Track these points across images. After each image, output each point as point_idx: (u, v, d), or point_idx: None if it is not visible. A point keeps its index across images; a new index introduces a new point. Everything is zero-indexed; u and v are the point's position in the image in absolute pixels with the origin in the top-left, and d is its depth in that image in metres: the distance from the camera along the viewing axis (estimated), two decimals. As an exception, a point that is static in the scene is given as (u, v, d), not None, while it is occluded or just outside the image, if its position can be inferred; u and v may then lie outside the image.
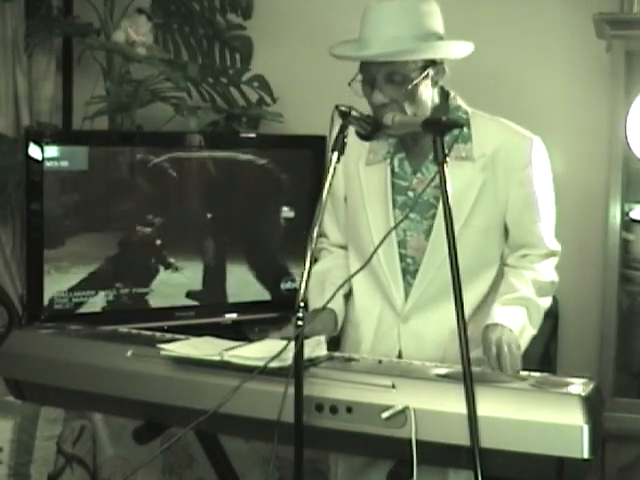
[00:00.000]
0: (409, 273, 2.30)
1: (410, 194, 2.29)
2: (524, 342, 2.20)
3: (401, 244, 2.30)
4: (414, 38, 2.12)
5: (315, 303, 2.27)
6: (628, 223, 3.25)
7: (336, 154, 1.97)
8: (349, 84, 2.16)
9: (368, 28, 2.14)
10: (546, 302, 2.32)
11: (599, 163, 3.30)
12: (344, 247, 2.47)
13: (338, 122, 2.02)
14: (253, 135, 3.59)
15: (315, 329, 2.23)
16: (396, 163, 2.32)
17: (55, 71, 3.71)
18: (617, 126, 3.14)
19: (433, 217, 2.26)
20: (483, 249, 2.28)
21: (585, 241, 3.37)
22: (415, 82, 2.14)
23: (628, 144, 3.15)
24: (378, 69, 2.14)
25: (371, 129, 2.13)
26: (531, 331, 2.26)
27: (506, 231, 2.33)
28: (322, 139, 3.21)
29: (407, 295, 2.30)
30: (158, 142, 3.32)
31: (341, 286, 2.05)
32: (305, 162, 3.41)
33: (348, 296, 2.41)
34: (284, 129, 3.61)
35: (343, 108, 2.03)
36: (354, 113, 2.05)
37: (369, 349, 2.33)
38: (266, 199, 3.40)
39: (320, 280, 2.34)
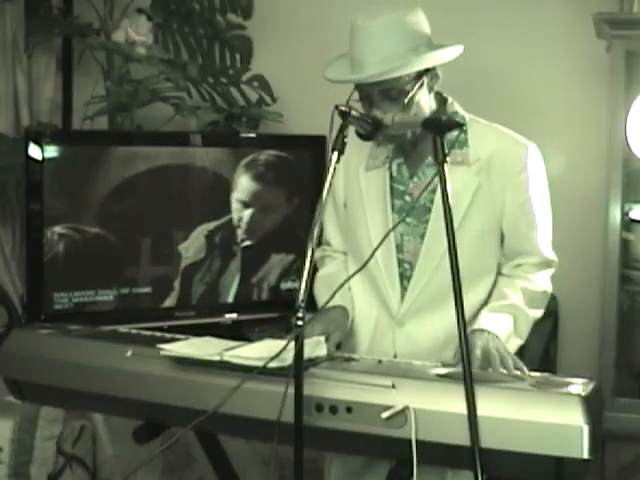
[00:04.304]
0: (406, 278, 2.31)
1: (407, 198, 2.30)
2: (510, 350, 2.18)
3: (398, 248, 2.31)
4: (405, 53, 2.12)
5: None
6: (628, 223, 3.25)
7: (336, 154, 1.97)
8: (347, 102, 2.16)
9: (358, 48, 2.14)
10: (536, 313, 2.31)
11: (599, 163, 3.30)
12: (346, 253, 2.47)
13: (338, 122, 2.02)
14: (253, 135, 3.59)
15: (328, 329, 2.24)
16: (394, 168, 2.32)
17: (55, 71, 3.71)
18: (617, 126, 3.15)
19: (429, 221, 2.27)
20: (479, 255, 2.28)
21: (585, 241, 3.37)
22: (411, 94, 2.15)
23: (628, 144, 3.15)
24: (372, 87, 2.14)
25: (371, 129, 2.13)
26: (517, 341, 2.25)
27: (503, 240, 2.32)
28: (322, 139, 3.22)
29: (403, 299, 2.30)
30: (158, 142, 3.32)
31: (341, 285, 2.05)
32: (305, 162, 3.41)
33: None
34: (284, 129, 3.61)
35: (343, 108, 2.03)
36: (354, 113, 2.05)
37: (366, 353, 2.33)
38: (266, 199, 3.40)
39: (328, 283, 2.34)
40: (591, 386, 1.87)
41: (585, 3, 3.33)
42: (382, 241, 2.04)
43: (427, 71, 2.18)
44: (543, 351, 3.33)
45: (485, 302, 2.29)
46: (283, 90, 3.65)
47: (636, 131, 3.14)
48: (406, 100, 2.15)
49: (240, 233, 3.39)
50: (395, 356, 2.31)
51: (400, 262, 2.31)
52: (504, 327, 2.19)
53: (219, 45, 3.71)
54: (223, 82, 3.64)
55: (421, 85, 2.17)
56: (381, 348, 2.32)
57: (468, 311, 2.18)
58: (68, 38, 3.77)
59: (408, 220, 2.28)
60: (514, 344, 2.24)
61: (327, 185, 1.94)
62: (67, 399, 2.30)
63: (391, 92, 2.14)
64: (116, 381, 2.11)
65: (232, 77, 3.65)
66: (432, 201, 2.25)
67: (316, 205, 1.93)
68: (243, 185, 3.37)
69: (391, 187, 2.32)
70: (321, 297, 2.34)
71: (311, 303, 1.99)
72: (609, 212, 3.16)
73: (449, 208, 1.87)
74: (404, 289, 2.30)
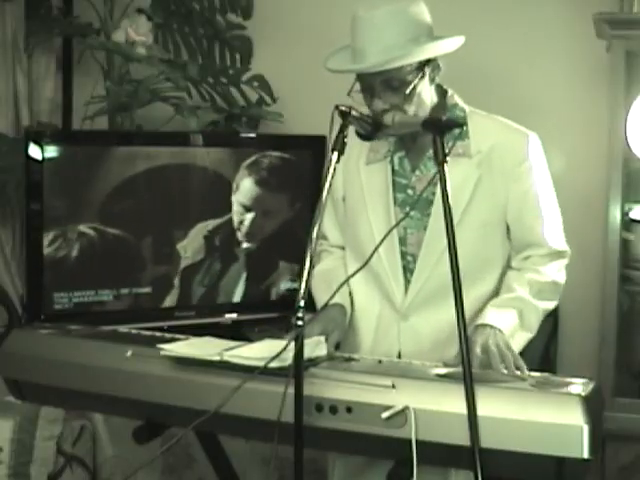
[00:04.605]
0: (409, 270, 2.30)
1: (409, 192, 2.30)
2: (517, 344, 2.18)
3: (402, 241, 2.30)
4: (406, 42, 2.12)
5: (323, 301, 2.28)
6: (628, 223, 3.25)
7: (336, 154, 1.97)
8: (348, 94, 2.16)
9: (360, 38, 2.14)
10: (547, 304, 2.29)
11: (599, 163, 3.30)
12: (343, 248, 2.47)
13: (338, 122, 2.02)
14: (253, 135, 3.59)
15: (327, 329, 2.24)
16: (396, 161, 2.32)
17: (55, 71, 3.71)
18: (617, 126, 3.15)
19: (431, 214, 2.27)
20: (482, 248, 2.27)
21: (585, 241, 3.36)
22: (413, 84, 2.15)
23: (628, 144, 3.15)
24: (374, 77, 2.14)
25: (371, 129, 2.12)
26: (526, 334, 2.24)
27: (509, 232, 2.32)
28: (322, 139, 3.22)
29: (407, 292, 2.30)
30: (158, 142, 3.32)
31: (343, 284, 2.05)
32: (305, 162, 3.41)
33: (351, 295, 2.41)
34: (284, 129, 3.61)
35: (343, 108, 2.03)
36: (354, 113, 2.05)
37: (369, 349, 2.34)
38: (266, 199, 3.40)
39: (326, 279, 2.34)
40: (591, 386, 1.87)
41: (585, 3, 3.33)
42: (384, 238, 2.04)
43: (429, 62, 2.17)
44: (543, 351, 3.33)
45: (491, 296, 2.28)
46: (283, 90, 3.65)
47: (636, 131, 3.14)
48: (408, 90, 2.14)
49: (241, 235, 3.39)
50: (400, 350, 2.30)
51: (403, 254, 2.30)
52: (508, 322, 2.18)
53: (219, 45, 3.71)
54: (223, 82, 3.64)
55: (423, 76, 2.17)
56: (385, 342, 2.32)
57: (472, 305, 2.19)
58: (68, 38, 3.77)
59: (411, 213, 2.27)
60: (522, 338, 2.23)
61: (327, 185, 1.94)
62: (67, 399, 2.30)
63: (393, 82, 2.14)
64: (116, 381, 2.11)
65: (232, 77, 3.65)
66: (434, 194, 2.24)
67: (316, 205, 1.93)
68: (245, 188, 3.37)
69: (393, 181, 2.31)
70: (319, 293, 2.34)
71: (309, 300, 1.99)
72: (609, 212, 3.16)
73: (449, 209, 1.87)
74: (407, 282, 2.30)
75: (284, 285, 3.45)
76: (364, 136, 2.15)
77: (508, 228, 2.31)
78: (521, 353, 2.17)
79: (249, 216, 3.38)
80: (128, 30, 3.39)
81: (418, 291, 2.28)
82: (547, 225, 2.30)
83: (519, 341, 2.22)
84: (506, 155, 2.25)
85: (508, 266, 2.33)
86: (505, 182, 2.25)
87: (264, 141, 3.50)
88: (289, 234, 3.42)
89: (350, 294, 2.38)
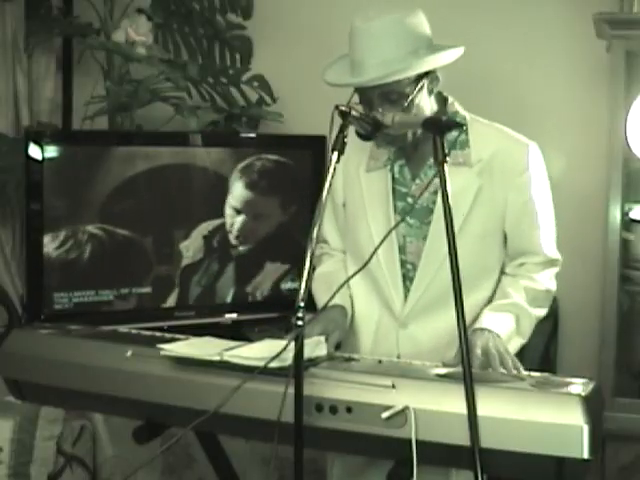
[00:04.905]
0: (408, 279, 2.31)
1: (409, 200, 2.30)
2: (512, 349, 2.19)
3: (401, 249, 2.30)
4: (405, 55, 2.11)
5: (324, 302, 2.28)
6: (628, 223, 3.25)
7: (336, 154, 1.97)
8: (347, 105, 2.15)
9: (358, 51, 2.14)
10: (539, 312, 2.31)
11: (599, 163, 3.30)
12: (344, 252, 2.47)
13: (338, 122, 2.01)
14: (253, 135, 3.59)
15: (327, 329, 2.24)
16: (396, 169, 2.32)
17: (55, 71, 3.71)
18: (617, 126, 3.14)
19: (431, 223, 2.27)
20: (481, 256, 2.28)
21: (585, 241, 3.37)
22: (411, 97, 2.14)
23: (628, 144, 3.15)
24: (373, 90, 2.14)
25: (371, 129, 2.12)
26: (520, 340, 2.25)
27: (506, 240, 2.32)
28: (322, 139, 3.22)
29: (406, 300, 2.30)
30: (158, 142, 3.32)
31: (342, 286, 2.06)
32: (305, 162, 3.41)
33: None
34: (284, 129, 3.61)
35: (343, 108, 2.02)
36: (354, 113, 2.05)
37: (369, 353, 2.33)
38: (266, 199, 3.40)
39: (327, 281, 2.34)
40: (591, 386, 1.87)
41: (585, 3, 3.33)
42: (381, 242, 2.03)
43: (427, 74, 2.17)
44: (543, 351, 3.33)
45: (488, 302, 2.29)
46: (283, 90, 3.65)
47: (636, 131, 3.14)
48: (406, 103, 2.14)
49: (235, 237, 3.38)
50: (398, 357, 2.30)
51: (403, 263, 2.30)
52: (505, 326, 2.19)
53: (219, 45, 3.71)
54: (223, 82, 3.64)
55: (421, 88, 2.17)
56: (384, 349, 2.32)
57: (470, 312, 2.18)
58: (68, 38, 3.77)
59: (410, 221, 2.28)
60: (516, 343, 2.24)
61: (327, 185, 1.94)
62: (67, 399, 2.30)
63: (391, 95, 2.14)
64: (116, 381, 2.11)
65: (232, 77, 3.65)
66: (434, 202, 2.25)
67: (316, 205, 1.93)
68: (243, 185, 3.36)
69: (393, 189, 2.32)
70: (319, 295, 2.34)
71: (310, 302, 1.99)
72: (609, 212, 3.16)
73: (449, 208, 1.87)
74: (407, 290, 2.30)
75: (284, 285, 3.45)
76: (364, 136, 2.14)
77: (505, 235, 2.31)
78: (519, 355, 2.17)
79: (239, 219, 3.37)
80: (128, 30, 3.39)
81: (417, 299, 2.29)
82: (543, 234, 2.31)
83: (514, 346, 2.23)
84: (507, 165, 2.25)
85: (502, 272, 2.34)
86: (505, 191, 2.26)
87: (264, 141, 3.50)
88: (288, 236, 3.41)
89: (350, 297, 2.38)
